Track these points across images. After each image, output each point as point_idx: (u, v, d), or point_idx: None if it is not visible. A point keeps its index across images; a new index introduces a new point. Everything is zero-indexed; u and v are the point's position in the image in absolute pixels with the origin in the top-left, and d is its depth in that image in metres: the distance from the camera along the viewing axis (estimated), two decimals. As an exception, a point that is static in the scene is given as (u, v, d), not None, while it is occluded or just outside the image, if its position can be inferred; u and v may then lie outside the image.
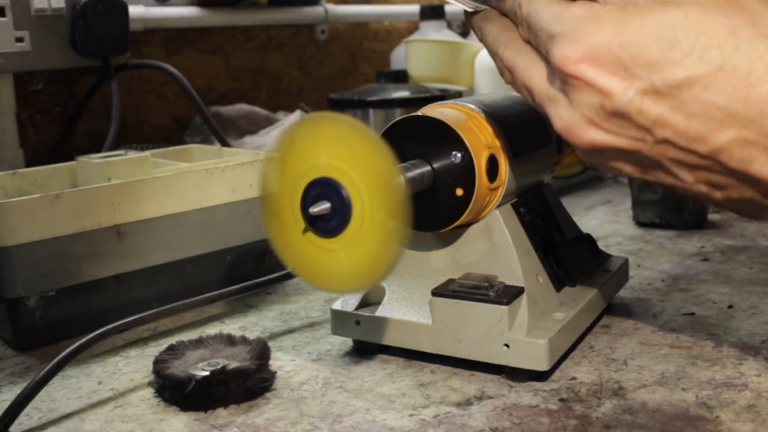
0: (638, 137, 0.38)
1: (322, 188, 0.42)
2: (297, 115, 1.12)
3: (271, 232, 0.45)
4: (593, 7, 0.38)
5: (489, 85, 1.09)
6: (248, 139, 1.06)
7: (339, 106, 1.05)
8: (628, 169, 0.41)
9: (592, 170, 0.99)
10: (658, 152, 0.38)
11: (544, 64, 0.41)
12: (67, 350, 0.49)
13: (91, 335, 0.52)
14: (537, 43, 0.41)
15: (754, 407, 0.45)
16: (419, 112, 0.51)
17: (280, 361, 0.55)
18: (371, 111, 1.04)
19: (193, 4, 1.16)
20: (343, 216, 0.42)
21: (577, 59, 0.38)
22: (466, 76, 1.17)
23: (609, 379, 0.50)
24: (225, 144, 0.91)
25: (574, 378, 0.50)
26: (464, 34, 1.47)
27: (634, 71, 0.37)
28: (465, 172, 0.49)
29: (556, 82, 0.40)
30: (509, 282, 0.51)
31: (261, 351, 0.52)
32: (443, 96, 1.04)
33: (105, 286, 0.62)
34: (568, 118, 0.39)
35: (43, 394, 0.49)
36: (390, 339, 0.53)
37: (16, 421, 0.46)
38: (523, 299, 0.50)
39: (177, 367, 0.50)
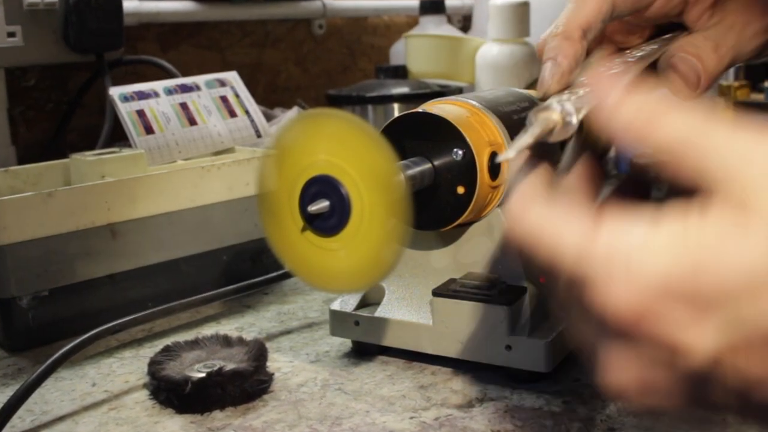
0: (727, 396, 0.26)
1: (321, 186, 0.42)
2: (294, 111, 1.11)
3: (268, 230, 0.45)
4: (639, 231, 0.25)
5: (490, 81, 1.08)
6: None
7: (337, 102, 1.05)
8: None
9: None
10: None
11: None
12: (61, 351, 0.49)
13: (85, 336, 0.51)
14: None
15: (761, 409, 0.45)
16: (419, 109, 0.51)
17: (277, 362, 0.55)
18: (370, 107, 1.04)
19: (188, -2, 1.15)
20: (342, 214, 0.42)
21: (631, 312, 0.25)
22: (466, 71, 1.17)
23: (613, 381, 0.50)
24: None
25: (577, 380, 0.50)
26: (465, 29, 1.47)
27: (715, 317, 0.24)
28: (466, 169, 0.49)
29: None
30: (511, 282, 0.51)
31: (258, 352, 0.51)
32: (444, 92, 1.04)
33: (99, 286, 0.62)
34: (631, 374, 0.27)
35: (35, 396, 0.49)
36: (390, 340, 0.53)
37: (9, 424, 0.46)
38: (526, 300, 0.50)
39: (172, 369, 0.50)
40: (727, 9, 0.46)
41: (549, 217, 0.27)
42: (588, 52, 0.43)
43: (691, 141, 0.26)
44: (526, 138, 0.30)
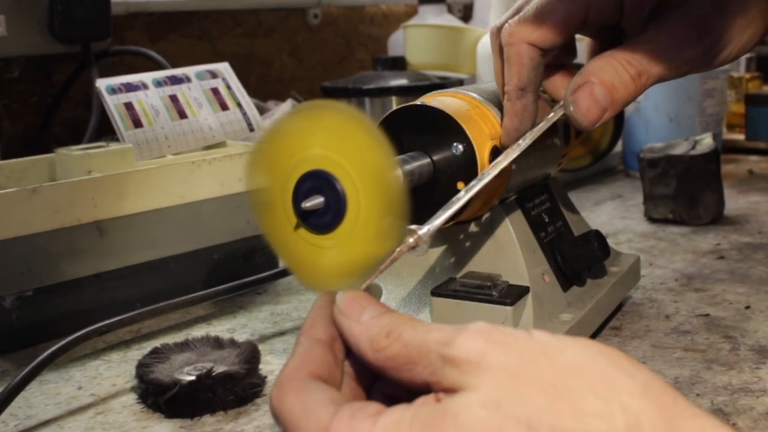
0: None
1: (316, 181, 0.42)
2: (288, 104, 1.11)
3: (264, 226, 0.45)
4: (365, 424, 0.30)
5: (492, 73, 1.08)
6: (237, 130, 1.06)
7: (333, 94, 1.05)
8: None
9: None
10: None
11: None
12: (46, 353, 0.49)
13: (71, 337, 0.51)
14: None
15: (773, 413, 0.45)
16: (418, 101, 0.51)
17: (270, 365, 0.55)
18: (367, 100, 1.04)
19: (178, -14, 1.15)
20: (338, 211, 0.41)
21: None
22: (467, 63, 1.17)
23: (619, 384, 0.50)
24: (212, 135, 0.91)
25: (582, 383, 0.50)
26: (465, 18, 1.47)
27: None
28: (466, 164, 0.49)
29: None
30: (513, 281, 0.51)
31: (250, 354, 0.51)
32: (443, 84, 1.04)
33: (85, 286, 0.62)
34: None
35: (19, 399, 0.49)
36: (387, 341, 0.53)
37: (-9, 429, 0.46)
38: (528, 299, 0.50)
39: (161, 372, 0.50)
40: (662, 27, 0.45)
41: (297, 406, 0.32)
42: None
43: (421, 351, 0.31)
44: (392, 258, 0.39)
